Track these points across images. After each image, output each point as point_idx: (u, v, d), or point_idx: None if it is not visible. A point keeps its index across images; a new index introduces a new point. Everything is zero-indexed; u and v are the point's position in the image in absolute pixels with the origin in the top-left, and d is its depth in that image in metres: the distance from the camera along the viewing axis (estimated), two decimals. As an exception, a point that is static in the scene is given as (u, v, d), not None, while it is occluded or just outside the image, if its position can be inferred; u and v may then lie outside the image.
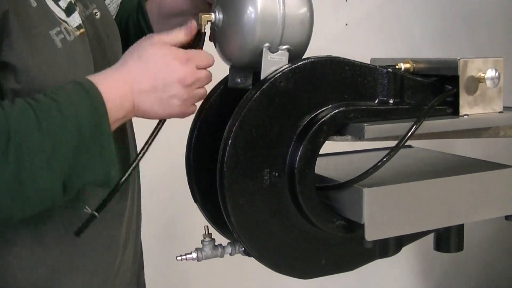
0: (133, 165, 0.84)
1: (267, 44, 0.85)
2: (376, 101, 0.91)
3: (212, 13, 0.89)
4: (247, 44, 0.85)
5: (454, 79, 0.93)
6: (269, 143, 0.85)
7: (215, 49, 0.92)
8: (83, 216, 0.82)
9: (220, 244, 0.97)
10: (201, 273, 2.01)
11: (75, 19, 0.84)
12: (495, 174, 0.96)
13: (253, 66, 0.88)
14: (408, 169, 1.02)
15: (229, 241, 0.97)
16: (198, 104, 0.92)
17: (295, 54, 0.88)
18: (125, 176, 0.83)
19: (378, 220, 0.86)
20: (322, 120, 0.86)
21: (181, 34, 0.86)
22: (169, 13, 1.06)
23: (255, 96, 0.83)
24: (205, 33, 0.89)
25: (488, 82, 0.93)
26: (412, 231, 0.93)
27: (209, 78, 0.88)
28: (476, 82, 0.94)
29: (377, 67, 0.91)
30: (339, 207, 0.90)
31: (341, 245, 0.95)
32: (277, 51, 0.86)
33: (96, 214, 0.82)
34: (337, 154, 1.14)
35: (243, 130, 0.83)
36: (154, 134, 0.86)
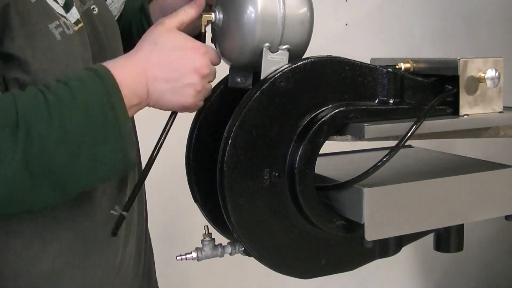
0: (151, 162, 0.84)
1: (267, 44, 0.85)
2: (376, 101, 0.91)
3: (212, 13, 0.89)
4: (247, 44, 0.85)
5: (454, 79, 0.93)
6: (269, 143, 0.85)
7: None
8: (91, 220, 0.83)
9: (220, 244, 0.97)
10: (201, 273, 2.01)
11: (73, 15, 0.84)
12: (495, 174, 0.96)
13: (253, 66, 0.88)
14: (408, 169, 1.02)
15: (229, 241, 0.97)
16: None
17: (295, 54, 0.88)
18: (144, 173, 0.83)
19: (378, 220, 0.86)
20: (322, 120, 0.86)
21: (191, 10, 0.87)
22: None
23: (255, 96, 0.83)
24: (205, 32, 0.89)
25: (488, 82, 0.93)
26: (412, 231, 0.93)
27: (215, 76, 0.88)
28: (476, 82, 0.94)
29: (377, 67, 0.91)
30: (339, 207, 0.90)
31: (341, 245, 0.95)
32: (277, 51, 0.86)
33: (125, 214, 0.83)
34: (337, 154, 1.14)
35: (243, 130, 0.83)
36: (167, 128, 0.86)
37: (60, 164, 0.71)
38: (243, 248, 0.94)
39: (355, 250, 0.96)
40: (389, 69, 0.92)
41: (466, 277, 2.79)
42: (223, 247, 0.96)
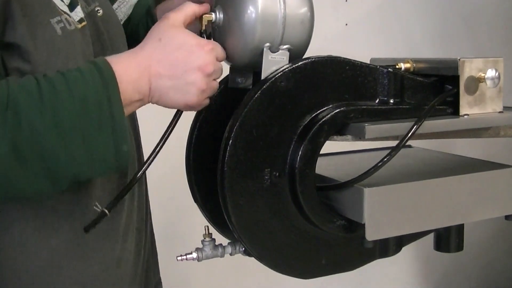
0: (150, 161, 0.84)
1: (267, 44, 0.85)
2: (377, 101, 0.91)
3: (213, 13, 0.89)
4: (248, 44, 0.85)
5: (454, 79, 0.93)
6: (269, 143, 0.85)
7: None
8: (92, 213, 0.82)
9: (221, 244, 0.97)
10: (201, 273, 2.01)
11: (77, 13, 0.84)
12: (495, 174, 0.96)
13: (253, 66, 0.88)
14: (408, 169, 1.02)
15: (229, 241, 0.98)
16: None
17: (295, 54, 0.88)
18: (140, 173, 0.83)
19: (379, 220, 0.86)
20: (323, 120, 0.86)
21: (192, 4, 0.87)
22: None
23: (256, 96, 0.84)
24: (205, 31, 0.89)
25: (488, 82, 0.93)
26: (412, 231, 0.93)
27: (221, 72, 0.87)
28: (476, 82, 0.94)
29: (378, 67, 0.91)
30: (340, 207, 0.90)
31: (341, 245, 0.95)
32: (277, 51, 0.86)
33: (107, 212, 0.82)
34: (338, 154, 1.14)
35: (244, 130, 0.83)
36: (171, 127, 0.85)
37: (50, 151, 0.71)
38: (243, 248, 0.94)
39: (355, 250, 0.96)
40: (389, 69, 0.92)
41: (466, 277, 2.79)
42: (224, 247, 0.96)
